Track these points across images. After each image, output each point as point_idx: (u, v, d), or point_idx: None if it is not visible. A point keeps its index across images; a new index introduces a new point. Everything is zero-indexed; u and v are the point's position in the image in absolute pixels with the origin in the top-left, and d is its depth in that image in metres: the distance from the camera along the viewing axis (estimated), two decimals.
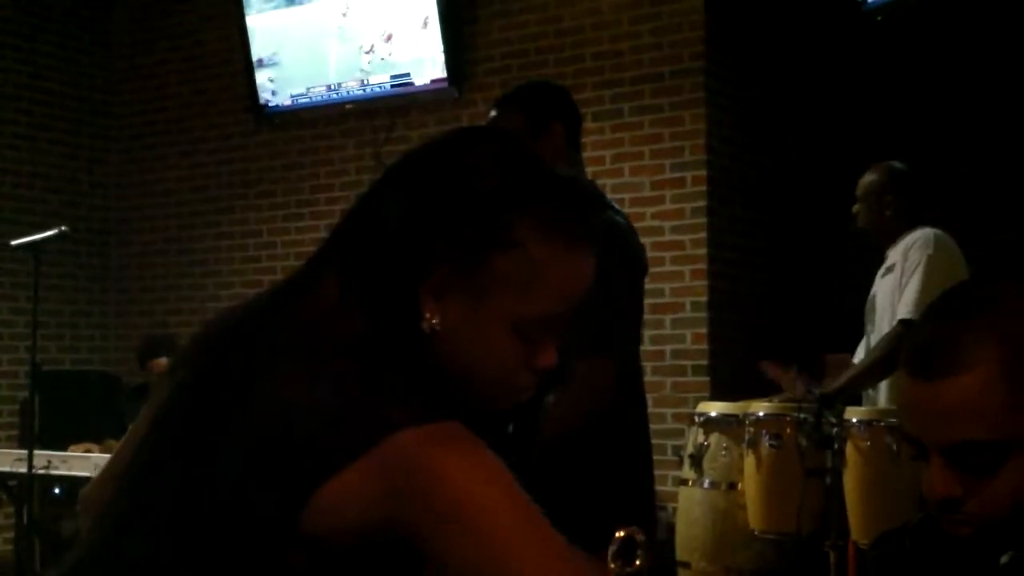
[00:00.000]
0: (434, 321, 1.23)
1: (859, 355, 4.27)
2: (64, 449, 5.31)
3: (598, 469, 2.53)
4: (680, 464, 4.44)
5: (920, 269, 3.90)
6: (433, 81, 6.06)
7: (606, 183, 5.23)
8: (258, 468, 1.17)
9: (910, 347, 1.29)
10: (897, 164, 4.24)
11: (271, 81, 6.59)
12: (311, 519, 1.14)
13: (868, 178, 4.19)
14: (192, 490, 1.21)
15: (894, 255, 4.07)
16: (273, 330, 1.26)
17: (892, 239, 4.11)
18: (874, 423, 3.79)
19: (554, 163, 2.56)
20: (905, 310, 3.86)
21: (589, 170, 4.12)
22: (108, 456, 6.14)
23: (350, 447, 1.14)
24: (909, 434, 1.29)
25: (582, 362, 2.44)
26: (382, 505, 1.14)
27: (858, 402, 4.14)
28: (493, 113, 2.74)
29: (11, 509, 6.07)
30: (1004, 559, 1.24)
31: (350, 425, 1.15)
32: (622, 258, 2.56)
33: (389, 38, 6.16)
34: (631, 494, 2.54)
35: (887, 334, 3.94)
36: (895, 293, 3.98)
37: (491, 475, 1.16)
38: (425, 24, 5.99)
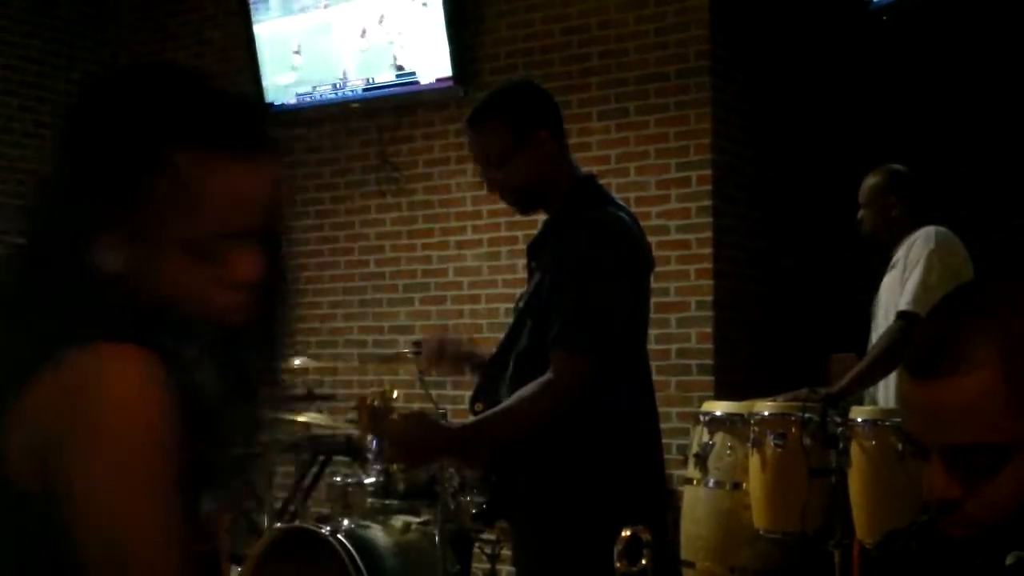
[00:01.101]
0: (112, 261, 1.26)
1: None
2: None
3: (595, 466, 2.52)
4: (685, 463, 4.44)
5: (921, 264, 3.92)
6: (439, 80, 6.06)
7: (611, 182, 5.23)
8: None
9: (911, 348, 1.28)
10: (897, 166, 4.26)
11: (276, 79, 6.60)
12: (9, 459, 1.19)
13: (871, 182, 4.22)
14: None
15: (899, 253, 4.09)
16: None
17: (899, 239, 4.13)
18: (879, 423, 3.79)
19: (544, 171, 2.57)
20: (904, 303, 3.89)
21: (595, 168, 4.12)
22: None
23: (28, 375, 1.19)
24: (910, 433, 1.28)
25: (557, 354, 2.45)
26: (43, 424, 1.19)
27: (861, 401, 4.15)
28: (470, 131, 2.66)
29: None
30: (1009, 560, 1.23)
31: (31, 355, 1.20)
32: (615, 254, 2.54)
33: (394, 37, 6.16)
34: (633, 492, 2.53)
35: (887, 329, 3.96)
36: (896, 289, 4.00)
37: (139, 409, 1.19)
38: (429, 22, 5.99)
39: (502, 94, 2.71)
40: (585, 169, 2.77)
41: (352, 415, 4.20)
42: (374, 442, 2.55)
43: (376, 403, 2.53)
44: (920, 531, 1.35)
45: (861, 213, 4.23)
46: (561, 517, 2.51)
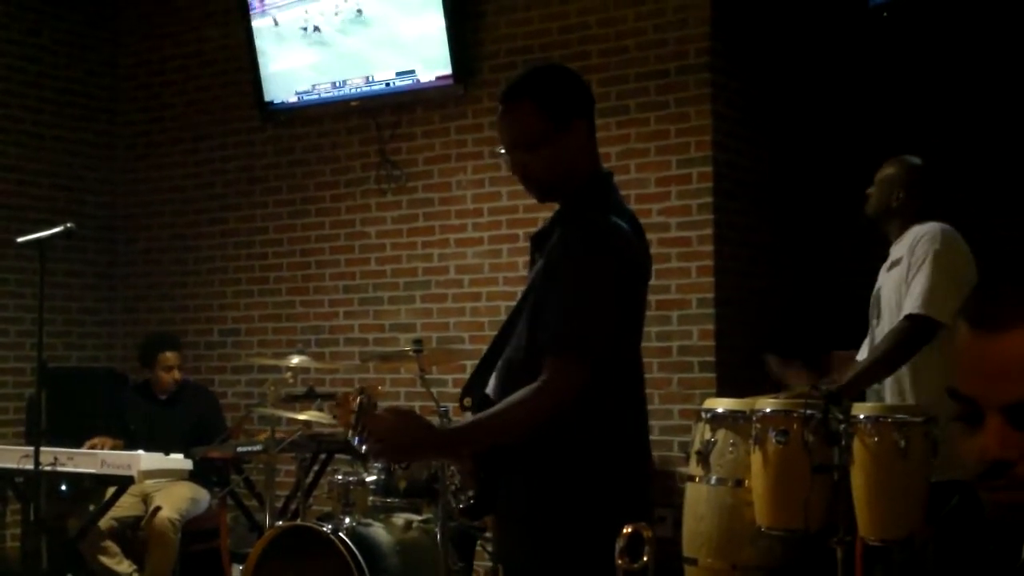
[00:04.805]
0: None
1: (864, 351, 4.27)
2: (74, 446, 5.32)
3: (578, 470, 2.50)
4: (687, 461, 4.44)
5: (927, 263, 3.89)
6: (438, 77, 6.06)
7: None
8: None
9: (974, 304, 1.25)
10: (915, 160, 4.25)
11: (276, 77, 6.60)
12: None
13: (886, 171, 4.20)
14: None
15: (900, 249, 4.07)
16: None
17: (896, 231, 4.11)
18: (881, 419, 3.79)
19: (573, 161, 2.54)
20: (912, 304, 3.86)
21: None
22: (117, 453, 6.12)
23: None
24: (961, 392, 1.24)
25: (549, 360, 2.43)
26: None
27: (864, 398, 4.14)
28: (502, 106, 2.55)
29: (18, 506, 6.08)
30: None
31: None
32: (608, 261, 2.51)
33: (394, 34, 6.16)
34: (615, 498, 2.51)
35: (893, 329, 3.94)
36: (901, 287, 3.98)
37: None
38: (429, 20, 5.98)
39: (543, 75, 2.61)
40: (606, 167, 2.73)
41: (334, 411, 4.17)
42: (356, 440, 2.51)
43: (362, 399, 2.50)
44: (936, 535, 1.32)
45: (870, 190, 4.23)
46: (543, 517, 2.50)
